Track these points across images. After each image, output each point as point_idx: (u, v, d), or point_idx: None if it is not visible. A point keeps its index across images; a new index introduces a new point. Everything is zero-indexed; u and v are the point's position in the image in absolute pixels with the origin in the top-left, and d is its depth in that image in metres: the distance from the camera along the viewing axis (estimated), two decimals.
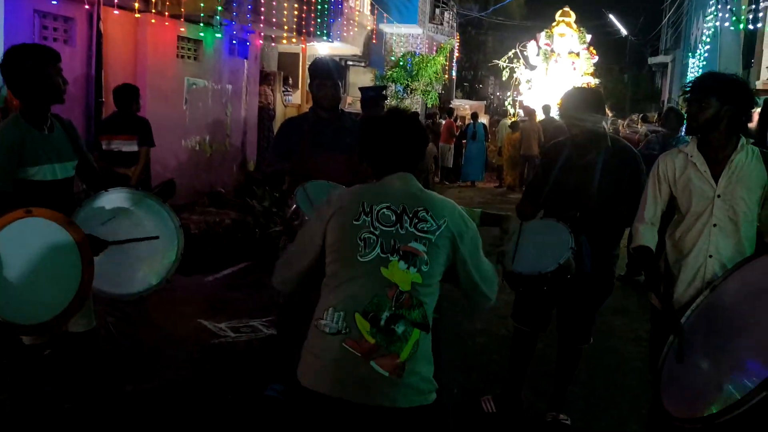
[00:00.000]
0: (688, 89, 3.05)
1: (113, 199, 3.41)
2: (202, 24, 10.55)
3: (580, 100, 3.77)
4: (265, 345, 5.11)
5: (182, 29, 10.30)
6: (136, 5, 9.27)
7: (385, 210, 2.29)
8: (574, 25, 20.46)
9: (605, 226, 3.70)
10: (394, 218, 2.28)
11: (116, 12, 9.01)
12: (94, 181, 3.58)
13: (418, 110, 19.66)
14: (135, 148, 6.67)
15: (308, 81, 4.12)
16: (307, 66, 4.30)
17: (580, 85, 4.26)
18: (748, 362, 2.37)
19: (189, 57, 10.77)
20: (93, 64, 8.81)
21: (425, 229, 2.27)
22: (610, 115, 21.19)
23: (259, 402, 4.11)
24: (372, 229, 2.26)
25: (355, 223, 2.27)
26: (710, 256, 3.00)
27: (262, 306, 5.94)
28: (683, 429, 2.58)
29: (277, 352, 4.31)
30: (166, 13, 9.79)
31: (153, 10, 9.61)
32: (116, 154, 6.51)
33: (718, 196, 2.99)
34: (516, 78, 21.09)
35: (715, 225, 2.99)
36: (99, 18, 8.71)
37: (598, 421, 4.21)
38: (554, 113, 13.54)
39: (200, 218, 8.95)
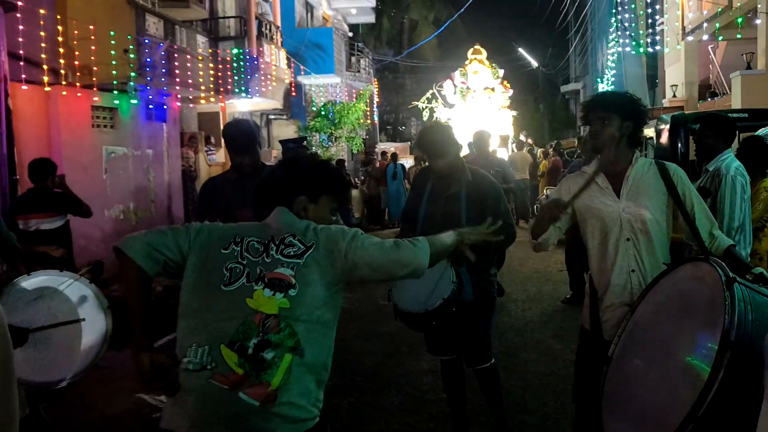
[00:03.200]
0: (589, 108, 3.13)
1: (37, 282, 3.30)
2: (116, 91, 10.40)
3: (437, 135, 3.97)
4: None
5: (96, 98, 10.12)
6: (46, 78, 9.07)
7: (254, 242, 2.24)
8: (486, 62, 21.07)
9: (481, 251, 3.80)
10: (261, 249, 2.23)
11: (24, 87, 8.79)
12: (16, 264, 3.45)
13: (344, 156, 19.80)
14: (55, 224, 6.45)
15: (224, 143, 4.08)
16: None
17: (434, 123, 4.50)
18: (675, 388, 2.37)
19: (105, 126, 10.57)
20: (4, 142, 8.52)
21: (292, 253, 2.21)
22: (529, 142, 21.79)
23: None
24: (240, 260, 2.21)
25: (223, 251, 2.22)
26: (632, 271, 3.03)
27: None
28: None
29: None
30: (78, 84, 9.62)
31: (63, 82, 9.43)
32: (35, 234, 6.27)
33: (623, 210, 3.06)
34: (436, 117, 21.51)
35: (628, 239, 3.04)
36: (7, 94, 8.46)
37: None
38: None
39: None
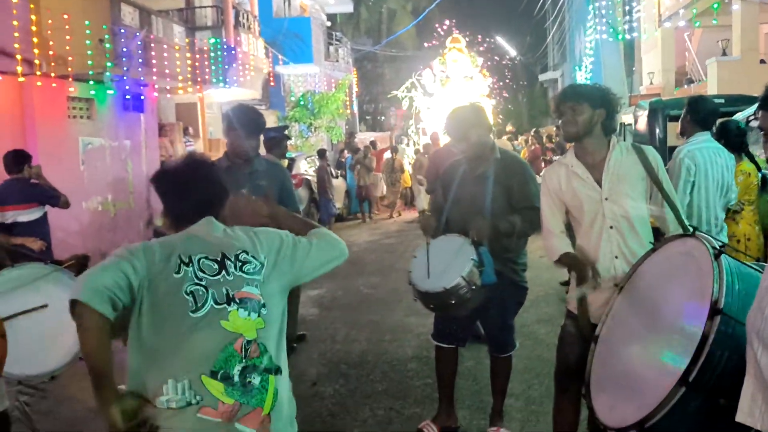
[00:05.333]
0: (560, 100, 3.18)
1: (21, 274, 3.25)
2: (92, 82, 10.25)
3: (460, 117, 3.93)
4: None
5: (71, 89, 9.96)
6: (20, 69, 8.91)
7: (205, 259, 2.12)
8: (465, 50, 21.09)
9: (503, 235, 3.79)
10: (216, 266, 2.12)
11: None
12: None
13: (325, 146, 19.72)
14: (33, 216, 6.35)
15: (225, 128, 4.02)
16: (224, 113, 4.19)
17: (462, 105, 4.41)
18: (664, 357, 2.41)
19: (81, 116, 10.42)
20: None
21: (252, 270, 2.16)
22: (511, 131, 21.89)
23: None
24: (197, 280, 2.08)
25: (176, 276, 2.07)
26: (616, 257, 3.09)
27: None
28: None
29: None
30: (53, 75, 9.46)
31: (38, 72, 9.27)
32: (12, 226, 6.16)
33: (606, 198, 3.10)
34: (416, 107, 21.51)
35: (611, 227, 3.09)
36: None
37: (537, 429, 4.26)
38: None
39: None
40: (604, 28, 21.32)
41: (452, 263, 3.58)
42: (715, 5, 14.77)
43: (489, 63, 24.30)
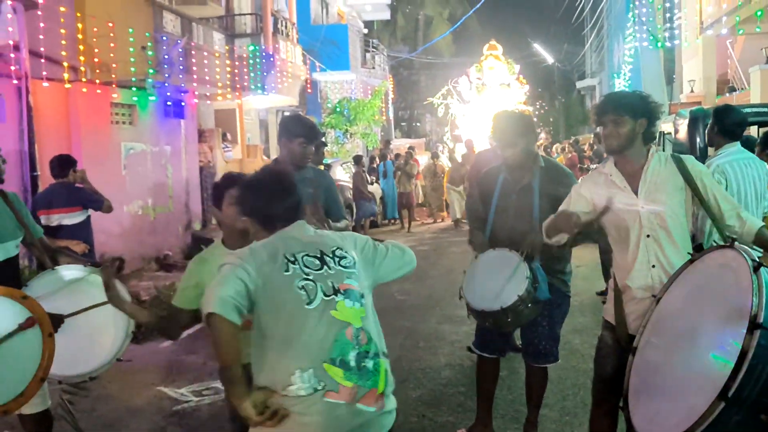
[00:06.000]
0: (601, 111, 3.13)
1: (62, 276, 3.34)
2: (134, 88, 10.47)
3: (510, 123, 3.89)
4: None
5: (115, 95, 10.21)
6: (66, 76, 9.16)
7: (307, 257, 2.30)
8: (502, 57, 21.01)
9: (554, 247, 3.77)
10: (318, 262, 2.30)
11: (45, 84, 8.88)
12: (42, 257, 3.49)
13: (361, 153, 19.80)
14: (77, 219, 6.50)
15: (284, 136, 4.05)
16: (282, 121, 4.28)
17: (509, 110, 4.36)
18: (703, 371, 2.38)
19: (124, 122, 10.66)
20: (25, 139, 8.62)
21: (348, 264, 2.35)
22: (546, 139, 21.72)
23: None
24: (305, 276, 2.25)
25: (285, 274, 2.24)
26: (653, 266, 3.05)
27: None
28: None
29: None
30: (97, 81, 9.71)
31: (83, 79, 9.52)
32: (57, 228, 6.33)
33: (642, 207, 3.07)
34: (451, 114, 21.48)
35: (648, 236, 3.06)
36: (28, 92, 8.56)
37: None
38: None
39: (149, 284, 8.75)
40: (644, 36, 21.06)
41: (507, 281, 3.59)
42: (759, 12, 14.49)
43: (526, 69, 24.17)
